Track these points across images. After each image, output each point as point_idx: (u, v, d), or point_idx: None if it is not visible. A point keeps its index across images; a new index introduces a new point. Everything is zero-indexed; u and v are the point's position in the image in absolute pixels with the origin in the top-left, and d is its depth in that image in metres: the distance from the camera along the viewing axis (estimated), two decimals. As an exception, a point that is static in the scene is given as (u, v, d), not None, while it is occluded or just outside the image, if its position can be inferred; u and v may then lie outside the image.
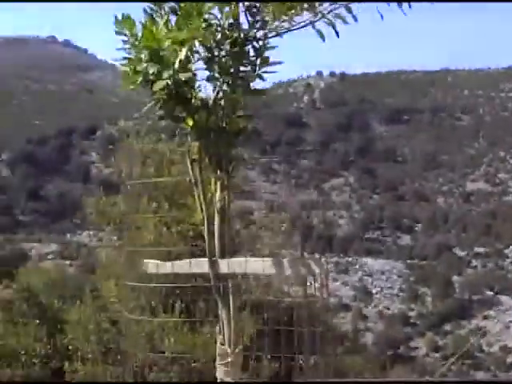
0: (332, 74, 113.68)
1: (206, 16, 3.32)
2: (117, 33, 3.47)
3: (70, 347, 8.04)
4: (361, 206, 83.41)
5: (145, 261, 3.78)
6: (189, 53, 3.33)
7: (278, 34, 3.52)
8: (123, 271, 5.96)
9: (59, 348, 8.18)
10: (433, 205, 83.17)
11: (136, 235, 7.07)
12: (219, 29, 3.35)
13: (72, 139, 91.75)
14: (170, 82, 3.31)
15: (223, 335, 3.50)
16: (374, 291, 66.56)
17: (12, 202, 72.93)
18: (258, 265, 3.19)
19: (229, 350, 3.46)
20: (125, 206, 7.75)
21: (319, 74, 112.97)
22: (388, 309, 63.95)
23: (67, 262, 47.21)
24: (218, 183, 3.51)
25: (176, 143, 8.06)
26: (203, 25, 3.25)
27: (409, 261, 71.48)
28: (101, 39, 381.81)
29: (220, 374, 3.51)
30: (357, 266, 69.78)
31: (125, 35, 3.49)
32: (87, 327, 7.76)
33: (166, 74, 3.25)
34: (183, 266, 3.39)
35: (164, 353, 6.55)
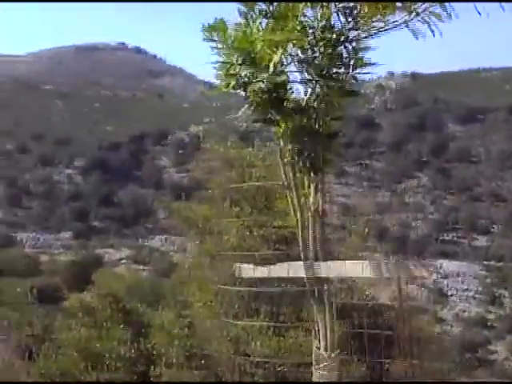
0: (404, 74, 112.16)
1: (300, 18, 3.32)
2: (206, 39, 3.49)
3: (154, 351, 8.16)
4: (435, 208, 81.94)
5: (237, 265, 3.80)
6: (283, 55, 3.34)
7: (371, 35, 3.48)
8: (207, 275, 6.02)
9: (143, 352, 8.31)
10: (509, 205, 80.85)
11: (218, 239, 7.13)
12: (313, 31, 3.34)
13: (144, 145, 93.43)
14: (264, 85, 3.32)
15: (319, 339, 3.48)
16: (449, 293, 65.32)
17: (86, 209, 74.76)
18: (357, 268, 3.16)
19: (325, 354, 3.44)
20: (206, 210, 7.83)
21: (390, 74, 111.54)
22: (464, 311, 62.58)
23: (140, 267, 48.21)
24: (312, 186, 3.50)
25: (256, 147, 8.09)
26: (298, 27, 3.25)
27: (485, 262, 69.71)
28: (170, 44, 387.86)
29: (316, 378, 3.50)
30: (431, 268, 68.53)
31: (214, 41, 3.51)
32: (171, 331, 7.86)
33: (260, 77, 3.26)
34: (279, 270, 3.40)
35: (249, 356, 6.58)
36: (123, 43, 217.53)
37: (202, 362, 7.33)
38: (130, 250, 55.38)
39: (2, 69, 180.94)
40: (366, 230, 9.75)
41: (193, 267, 8.38)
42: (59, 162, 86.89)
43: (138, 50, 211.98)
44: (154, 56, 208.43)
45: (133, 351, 8.41)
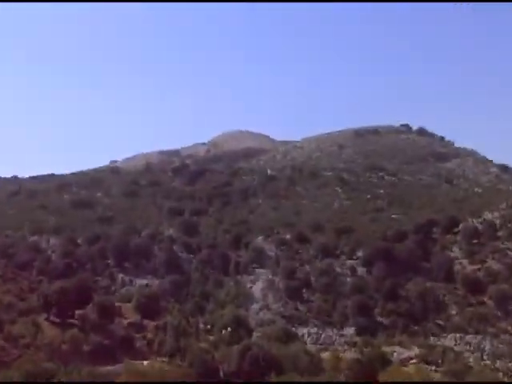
0: None
1: None
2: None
3: None
4: None
5: None
6: None
7: None
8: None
9: None
10: None
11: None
12: None
13: (432, 233, 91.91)
14: None
15: None
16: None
17: (370, 303, 74.78)
18: None
19: None
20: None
21: None
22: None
23: (431, 368, 46.29)
24: None
25: None
26: None
27: None
28: (456, 125, 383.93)
29: None
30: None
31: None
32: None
33: None
34: None
35: None
36: (406, 125, 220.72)
37: None
38: (420, 348, 53.58)
39: (278, 156, 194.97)
40: None
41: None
42: (341, 252, 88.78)
43: (423, 132, 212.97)
44: (442, 138, 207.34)
45: None
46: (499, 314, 70.31)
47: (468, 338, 64.17)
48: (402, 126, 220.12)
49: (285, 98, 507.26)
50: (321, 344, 66.45)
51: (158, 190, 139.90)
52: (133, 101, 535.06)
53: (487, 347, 61.01)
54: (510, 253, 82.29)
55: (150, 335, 50.92)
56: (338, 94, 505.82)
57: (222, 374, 41.38)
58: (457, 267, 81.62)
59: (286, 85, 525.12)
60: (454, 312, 72.61)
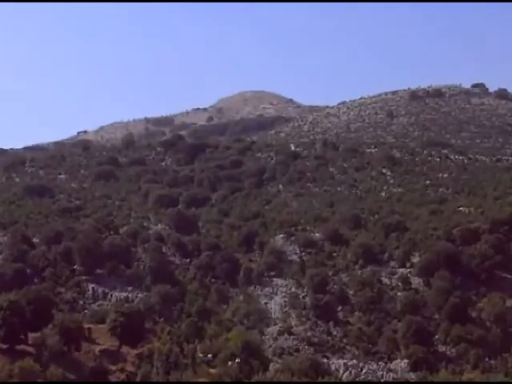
0: None
1: None
2: None
3: None
4: None
5: None
6: None
7: None
8: None
9: None
10: None
11: None
12: None
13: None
14: None
15: None
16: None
17: (428, 326, 75.26)
18: None
19: None
20: None
21: None
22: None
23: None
24: None
25: None
26: None
27: None
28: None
29: None
30: None
31: None
32: None
33: None
34: None
35: None
36: (481, 85, 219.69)
37: None
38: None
39: (305, 127, 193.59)
40: None
41: None
42: (389, 257, 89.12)
43: (503, 95, 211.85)
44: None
45: None
46: None
47: None
48: (474, 86, 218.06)
49: (313, 47, 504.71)
50: (362, 382, 66.17)
51: (142, 171, 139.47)
52: (107, 47, 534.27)
53: None
54: None
55: (130, 367, 50.95)
56: (388, 45, 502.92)
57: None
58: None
59: (316, 29, 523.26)
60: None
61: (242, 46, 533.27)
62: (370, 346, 73.93)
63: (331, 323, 77.71)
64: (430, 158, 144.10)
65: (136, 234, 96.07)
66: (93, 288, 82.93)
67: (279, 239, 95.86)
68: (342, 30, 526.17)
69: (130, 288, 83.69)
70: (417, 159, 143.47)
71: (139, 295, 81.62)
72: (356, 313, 79.07)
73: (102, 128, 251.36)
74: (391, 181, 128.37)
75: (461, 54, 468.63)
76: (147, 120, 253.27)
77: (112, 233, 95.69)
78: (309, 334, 76.33)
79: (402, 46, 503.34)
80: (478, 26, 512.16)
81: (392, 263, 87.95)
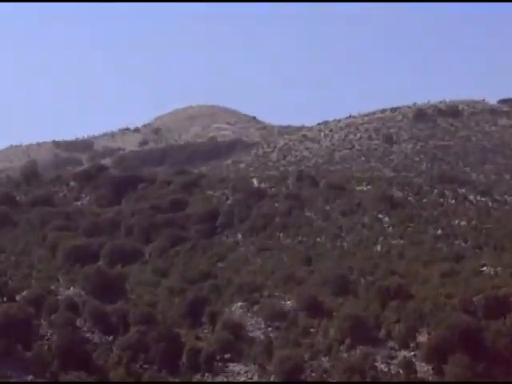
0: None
1: None
2: None
3: None
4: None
5: None
6: None
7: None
8: None
9: None
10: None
11: None
12: None
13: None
14: None
15: None
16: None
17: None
18: None
19: None
20: None
21: None
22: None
23: None
24: None
25: None
26: None
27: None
28: None
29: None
30: None
31: None
32: None
33: None
34: None
35: None
36: (510, 101, 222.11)
37: None
38: None
39: (273, 155, 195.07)
40: None
41: None
42: (387, 334, 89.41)
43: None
44: None
45: None
46: None
47: None
48: (501, 102, 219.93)
49: (286, 55, 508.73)
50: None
51: (49, 213, 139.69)
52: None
53: None
54: None
55: None
56: (388, 45, 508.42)
57: None
58: None
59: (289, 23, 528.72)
60: None
61: (185, 46, 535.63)
62: None
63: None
64: (442, 200, 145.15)
65: (39, 300, 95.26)
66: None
67: (237, 309, 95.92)
68: (324, 26, 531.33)
69: (29, 377, 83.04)
70: (424, 200, 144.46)
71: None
72: (342, 412, 79.22)
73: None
74: (390, 229, 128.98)
75: (484, 61, 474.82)
76: (56, 144, 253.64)
77: (5, 299, 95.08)
78: None
79: (403, 47, 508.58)
80: (505, 28, 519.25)
81: (390, 343, 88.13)
